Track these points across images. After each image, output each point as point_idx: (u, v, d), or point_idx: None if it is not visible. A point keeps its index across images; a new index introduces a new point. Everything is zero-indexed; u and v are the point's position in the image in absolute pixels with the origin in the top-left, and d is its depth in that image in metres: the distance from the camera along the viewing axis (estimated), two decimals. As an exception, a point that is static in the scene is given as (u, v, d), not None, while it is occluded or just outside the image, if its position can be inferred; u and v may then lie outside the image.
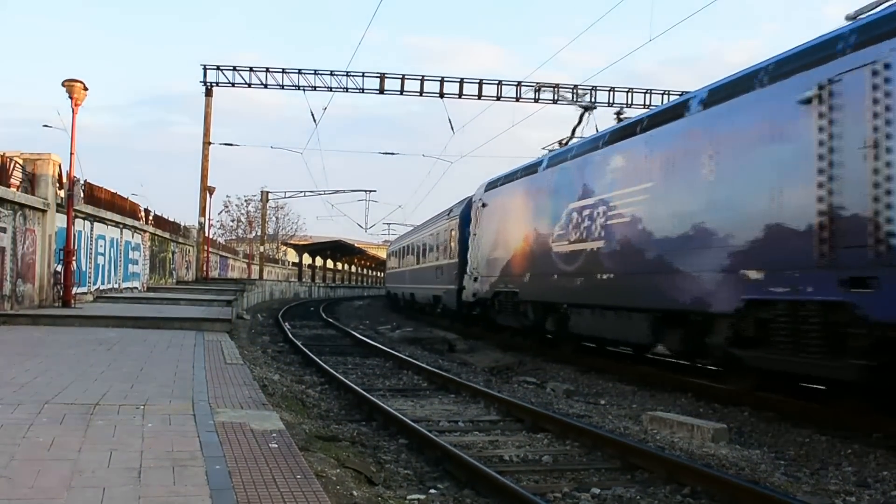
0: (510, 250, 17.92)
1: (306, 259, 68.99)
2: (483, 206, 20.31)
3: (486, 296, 19.71)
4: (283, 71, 32.55)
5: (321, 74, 32.45)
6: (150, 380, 8.40)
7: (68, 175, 18.48)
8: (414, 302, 33.02)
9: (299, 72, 32.47)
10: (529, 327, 17.22)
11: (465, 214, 22.98)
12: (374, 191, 52.64)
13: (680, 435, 8.23)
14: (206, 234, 38.45)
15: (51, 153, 18.32)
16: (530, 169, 17.36)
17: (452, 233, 24.78)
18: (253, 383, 8.72)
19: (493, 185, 19.98)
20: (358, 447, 7.42)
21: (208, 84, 33.03)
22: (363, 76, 32.51)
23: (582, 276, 13.94)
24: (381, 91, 32.61)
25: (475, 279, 20.61)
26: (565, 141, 19.14)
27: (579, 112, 21.62)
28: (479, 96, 32.64)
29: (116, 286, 24.38)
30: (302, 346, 16.60)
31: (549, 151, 17.70)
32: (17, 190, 16.69)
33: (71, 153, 18.18)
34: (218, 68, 32.72)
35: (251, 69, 32.63)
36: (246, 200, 73.58)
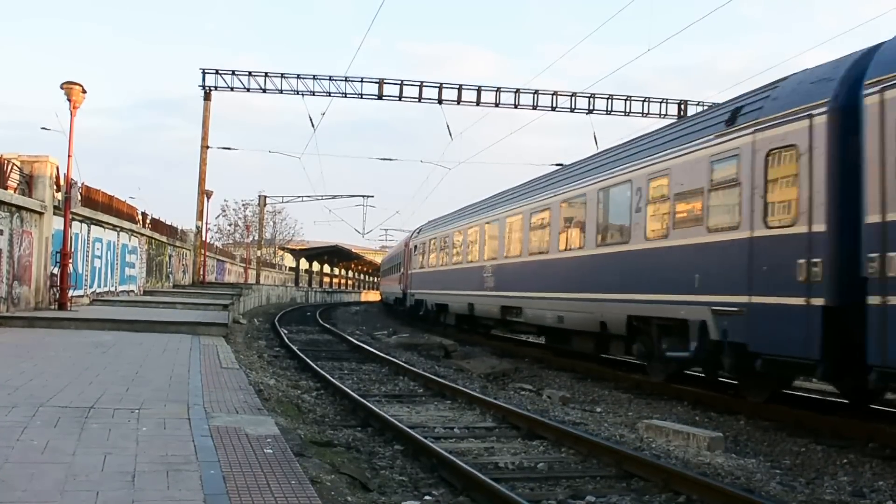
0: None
1: (303, 264, 68.92)
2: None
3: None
4: (282, 75, 32.55)
5: (320, 79, 32.46)
6: (146, 383, 8.38)
7: (66, 177, 18.45)
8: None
9: (298, 76, 32.47)
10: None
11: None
12: (372, 196, 52.70)
13: (676, 443, 8.23)
14: (204, 238, 38.41)
15: (48, 155, 18.30)
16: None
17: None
18: (248, 388, 8.71)
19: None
20: (353, 453, 7.41)
21: (207, 88, 33.03)
22: (362, 81, 32.54)
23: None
24: (380, 96, 32.64)
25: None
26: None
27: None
28: (478, 103, 32.67)
29: (113, 289, 24.34)
30: (298, 351, 16.57)
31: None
32: (14, 192, 16.67)
33: (69, 155, 18.18)
34: (217, 72, 32.72)
35: (250, 73, 32.63)
36: (244, 205, 73.72)
